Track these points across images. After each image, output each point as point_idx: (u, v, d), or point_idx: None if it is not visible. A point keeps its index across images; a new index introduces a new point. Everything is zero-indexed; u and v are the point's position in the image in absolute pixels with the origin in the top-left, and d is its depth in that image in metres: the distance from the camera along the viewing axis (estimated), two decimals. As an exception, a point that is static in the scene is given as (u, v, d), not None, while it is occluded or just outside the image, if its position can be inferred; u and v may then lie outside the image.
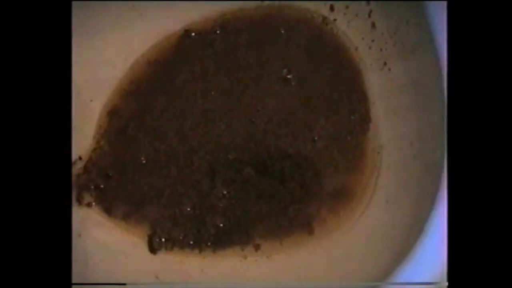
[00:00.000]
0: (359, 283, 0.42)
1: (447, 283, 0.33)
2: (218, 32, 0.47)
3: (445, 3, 0.36)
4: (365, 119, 0.47)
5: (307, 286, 0.44)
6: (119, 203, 0.44)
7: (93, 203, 0.44)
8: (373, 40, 0.46)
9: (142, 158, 0.45)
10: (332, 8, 0.47)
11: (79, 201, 0.44)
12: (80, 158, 0.44)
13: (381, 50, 0.46)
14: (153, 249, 0.44)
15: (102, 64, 0.45)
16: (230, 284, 0.44)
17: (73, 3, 0.40)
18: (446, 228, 0.33)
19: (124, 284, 0.41)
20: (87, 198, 0.44)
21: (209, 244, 0.44)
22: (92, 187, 0.44)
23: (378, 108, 0.47)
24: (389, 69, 0.46)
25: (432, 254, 0.39)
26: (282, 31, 0.47)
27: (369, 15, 0.46)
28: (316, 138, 0.46)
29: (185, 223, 0.44)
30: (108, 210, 0.44)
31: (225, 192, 0.45)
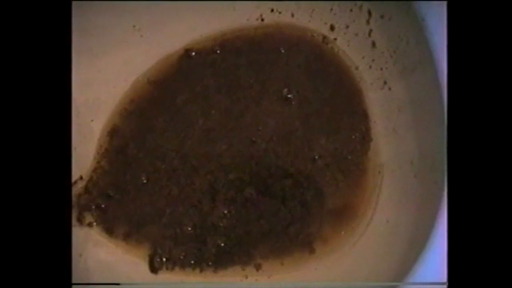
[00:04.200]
0: (359, 283, 0.42)
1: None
2: (218, 51, 0.47)
3: (445, 22, 0.36)
4: (365, 138, 0.47)
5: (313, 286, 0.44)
6: (120, 223, 0.44)
7: (94, 223, 0.44)
8: (373, 59, 0.46)
9: (143, 178, 0.45)
10: (332, 28, 0.47)
11: (80, 221, 0.44)
12: (81, 177, 0.44)
13: (381, 69, 0.46)
14: (154, 269, 0.44)
15: (102, 84, 0.45)
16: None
17: (74, 25, 0.40)
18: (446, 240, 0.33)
19: (117, 284, 0.41)
20: (88, 218, 0.44)
21: (210, 263, 0.44)
22: (93, 207, 0.44)
23: (379, 127, 0.47)
24: (390, 88, 0.46)
25: (433, 272, 0.38)
26: (282, 51, 0.48)
27: (369, 34, 0.46)
28: (317, 157, 0.46)
29: (186, 242, 0.44)
30: (109, 230, 0.44)
31: (226, 212, 0.45)
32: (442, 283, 0.35)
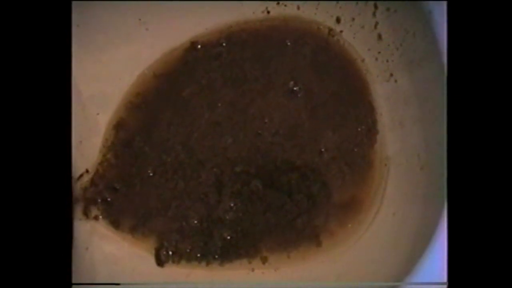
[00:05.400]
0: (359, 283, 0.42)
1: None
2: (224, 44, 0.47)
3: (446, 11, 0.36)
4: (372, 131, 0.47)
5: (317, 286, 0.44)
6: (126, 216, 0.44)
7: (100, 217, 0.44)
8: (379, 52, 0.46)
9: (149, 171, 0.45)
10: (338, 20, 0.47)
11: (86, 215, 0.44)
12: (87, 171, 0.44)
13: (387, 61, 0.46)
14: (160, 262, 0.44)
15: (108, 78, 0.45)
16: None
17: (80, 19, 0.41)
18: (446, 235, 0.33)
19: (118, 284, 0.41)
20: (94, 211, 0.44)
21: (216, 256, 0.44)
22: (99, 200, 0.44)
23: (385, 119, 0.47)
24: (396, 81, 0.46)
25: (438, 265, 0.38)
26: (289, 43, 0.47)
27: (375, 27, 0.45)
28: (323, 150, 0.46)
29: (192, 236, 0.44)
30: (115, 223, 0.44)
31: (232, 205, 0.45)
32: (442, 283, 0.35)
